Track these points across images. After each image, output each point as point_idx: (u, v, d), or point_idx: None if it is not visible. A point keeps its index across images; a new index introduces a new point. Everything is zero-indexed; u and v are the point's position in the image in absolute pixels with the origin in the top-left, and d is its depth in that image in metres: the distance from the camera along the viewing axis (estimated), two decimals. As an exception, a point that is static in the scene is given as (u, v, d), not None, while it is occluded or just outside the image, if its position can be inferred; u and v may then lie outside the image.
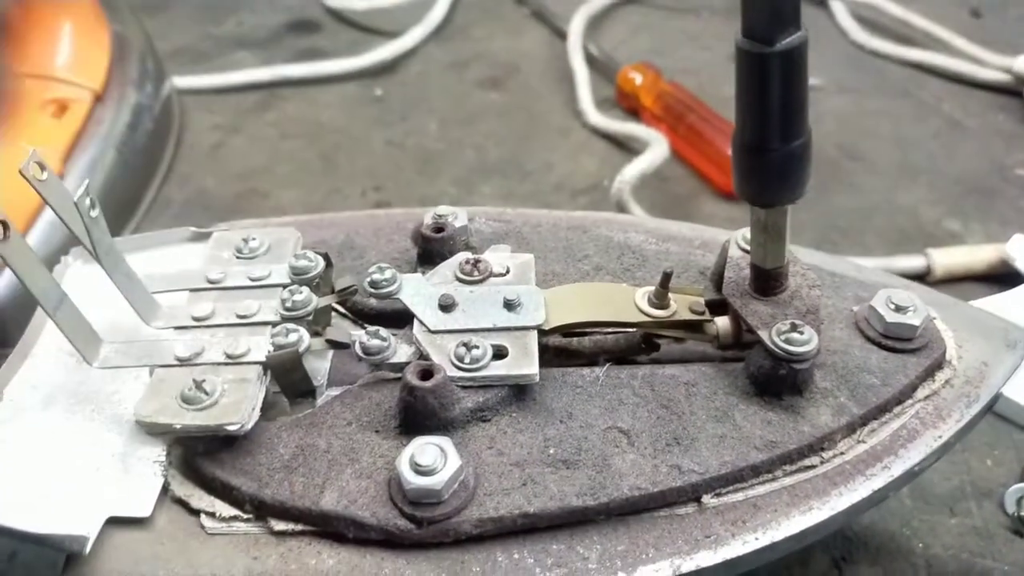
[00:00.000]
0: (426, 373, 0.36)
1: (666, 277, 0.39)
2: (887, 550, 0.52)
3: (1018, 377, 0.43)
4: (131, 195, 0.76)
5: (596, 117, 0.83)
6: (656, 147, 0.73)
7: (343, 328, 0.42)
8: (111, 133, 0.75)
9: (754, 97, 0.32)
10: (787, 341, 0.36)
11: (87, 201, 0.36)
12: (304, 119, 0.88)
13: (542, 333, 0.39)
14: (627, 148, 0.81)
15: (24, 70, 0.74)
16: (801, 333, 0.36)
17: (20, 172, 0.36)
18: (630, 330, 0.42)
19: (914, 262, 0.67)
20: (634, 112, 0.85)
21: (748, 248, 0.40)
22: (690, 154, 0.78)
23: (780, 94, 0.31)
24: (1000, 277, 0.66)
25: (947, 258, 0.67)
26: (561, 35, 0.96)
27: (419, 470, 0.33)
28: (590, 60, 0.91)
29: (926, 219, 0.74)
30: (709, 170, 0.77)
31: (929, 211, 0.75)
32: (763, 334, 0.37)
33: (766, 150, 0.32)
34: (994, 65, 0.87)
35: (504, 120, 0.87)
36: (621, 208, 0.70)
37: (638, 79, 0.83)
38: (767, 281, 0.38)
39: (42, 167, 0.37)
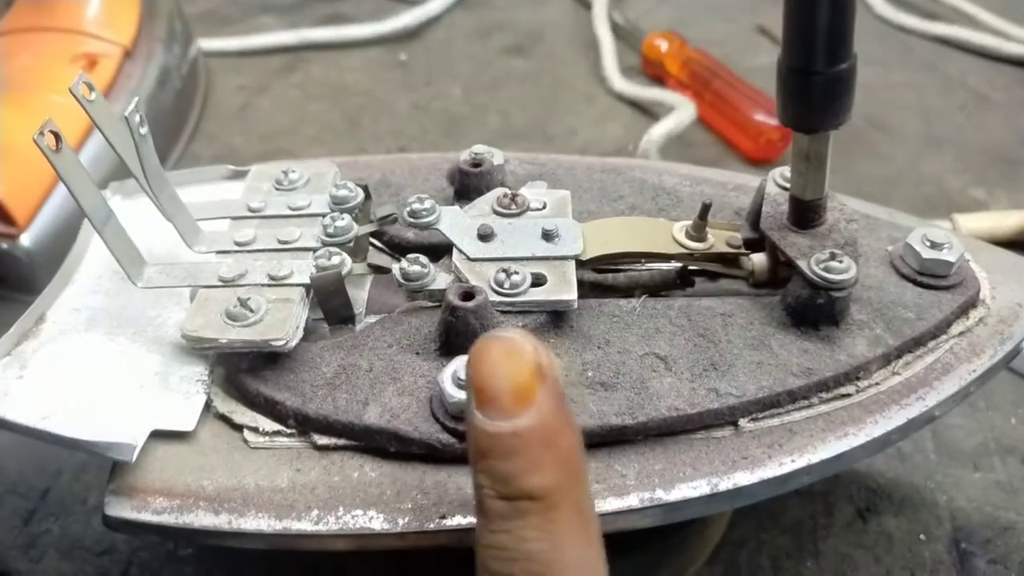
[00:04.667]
0: (467, 294, 0.36)
1: (705, 208, 0.39)
2: (911, 502, 0.52)
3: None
4: (158, 151, 0.76)
5: (621, 83, 0.83)
6: (683, 109, 0.73)
7: (382, 258, 0.42)
8: (139, 89, 0.75)
9: (801, 18, 0.32)
10: (826, 269, 0.36)
11: (137, 117, 0.36)
12: (329, 82, 0.88)
13: (580, 264, 0.39)
14: (652, 114, 0.81)
15: (56, 24, 0.75)
16: (840, 262, 0.36)
17: (69, 90, 0.36)
18: (665, 266, 0.42)
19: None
20: (659, 80, 0.85)
21: (785, 185, 0.41)
22: (716, 120, 0.78)
23: (827, 15, 0.31)
24: (1026, 243, 0.67)
25: (973, 223, 0.67)
26: (585, 5, 0.96)
27: (461, 385, 0.34)
28: (614, 28, 0.91)
29: (951, 187, 0.74)
30: (735, 136, 0.77)
31: (954, 180, 0.75)
32: (802, 263, 0.37)
33: (811, 73, 0.33)
34: (1020, 39, 0.87)
35: (528, 86, 0.88)
36: (647, 169, 0.70)
37: (664, 46, 0.83)
38: (806, 213, 0.38)
39: (90, 87, 0.37)
